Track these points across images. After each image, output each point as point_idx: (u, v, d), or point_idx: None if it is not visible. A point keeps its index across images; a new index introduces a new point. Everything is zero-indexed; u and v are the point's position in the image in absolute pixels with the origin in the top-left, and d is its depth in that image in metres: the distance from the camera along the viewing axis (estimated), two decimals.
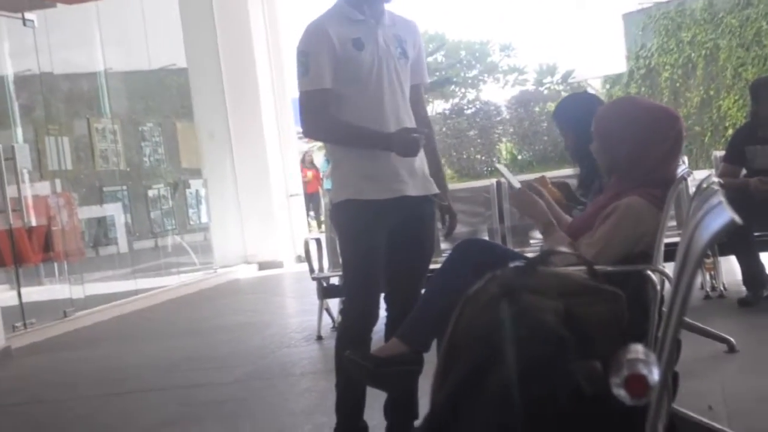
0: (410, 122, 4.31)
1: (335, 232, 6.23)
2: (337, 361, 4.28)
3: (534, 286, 2.71)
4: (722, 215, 2.24)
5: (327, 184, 21.81)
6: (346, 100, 4.20)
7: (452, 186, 7.04)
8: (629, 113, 3.87)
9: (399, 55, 4.29)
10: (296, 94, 4.33)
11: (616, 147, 3.83)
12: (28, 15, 10.70)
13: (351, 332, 4.30)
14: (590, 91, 34.86)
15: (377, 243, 4.22)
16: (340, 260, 4.58)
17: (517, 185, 4.36)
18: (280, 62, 15.75)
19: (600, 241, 3.75)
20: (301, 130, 4.44)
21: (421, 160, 4.33)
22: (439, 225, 4.60)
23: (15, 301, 9.89)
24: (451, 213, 4.54)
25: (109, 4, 12.00)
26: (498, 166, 6.15)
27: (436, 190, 4.41)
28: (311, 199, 23.11)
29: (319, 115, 4.21)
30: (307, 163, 24.36)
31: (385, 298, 4.41)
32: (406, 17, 4.46)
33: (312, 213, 23.36)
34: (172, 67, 14.97)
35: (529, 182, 4.38)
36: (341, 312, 4.44)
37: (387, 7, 4.32)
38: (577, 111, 4.96)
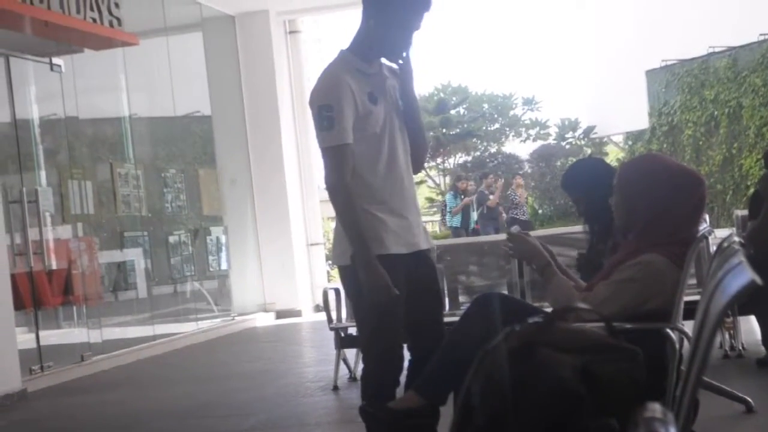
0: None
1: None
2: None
3: (552, 341, 2.71)
4: (742, 276, 2.23)
5: (454, 221, 21.11)
6: (364, 154, 4.16)
7: (473, 239, 7.02)
8: (654, 173, 3.84)
9: (399, 105, 4.31)
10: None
11: (637, 204, 3.81)
12: (55, 60, 10.81)
13: (378, 387, 4.23)
14: (612, 147, 34.90)
15: (399, 296, 4.18)
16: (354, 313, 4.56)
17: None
18: (303, 111, 15.83)
19: (611, 285, 3.75)
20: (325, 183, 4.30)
21: (419, 215, 4.37)
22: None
23: (33, 344, 9.90)
24: None
25: (135, 50, 12.09)
26: (512, 230, 6.23)
27: (433, 243, 4.50)
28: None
29: (346, 190, 4.12)
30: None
31: (409, 348, 4.37)
32: (390, 64, 4.40)
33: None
34: (196, 114, 15.07)
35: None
36: (364, 370, 4.37)
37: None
38: (585, 174, 5.01)
